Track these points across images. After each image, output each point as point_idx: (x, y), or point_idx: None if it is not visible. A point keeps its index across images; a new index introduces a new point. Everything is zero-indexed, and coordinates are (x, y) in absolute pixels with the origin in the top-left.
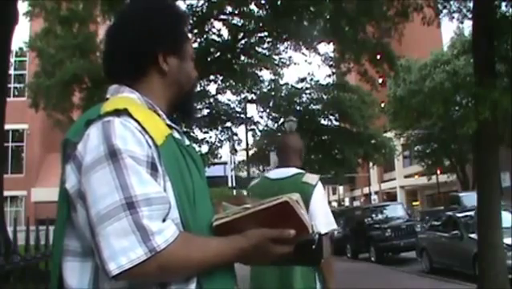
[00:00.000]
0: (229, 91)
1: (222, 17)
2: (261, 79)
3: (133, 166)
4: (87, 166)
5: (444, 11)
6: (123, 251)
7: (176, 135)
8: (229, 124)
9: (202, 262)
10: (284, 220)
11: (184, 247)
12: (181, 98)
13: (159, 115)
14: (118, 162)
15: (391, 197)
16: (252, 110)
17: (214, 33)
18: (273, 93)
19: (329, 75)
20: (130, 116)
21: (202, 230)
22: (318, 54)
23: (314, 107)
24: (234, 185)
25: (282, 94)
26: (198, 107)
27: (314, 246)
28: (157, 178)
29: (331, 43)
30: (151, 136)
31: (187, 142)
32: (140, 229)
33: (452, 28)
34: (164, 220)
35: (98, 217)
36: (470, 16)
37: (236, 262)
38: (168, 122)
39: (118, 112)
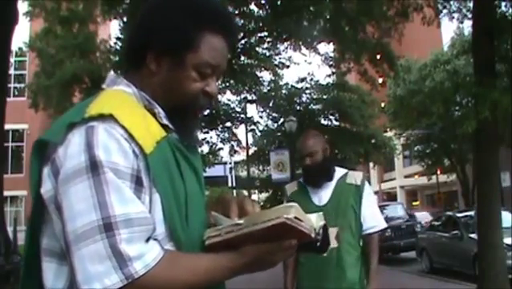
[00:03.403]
0: (229, 91)
1: None
2: (261, 79)
3: (114, 182)
4: (66, 176)
5: (444, 11)
6: (97, 276)
7: (174, 135)
8: (229, 124)
9: (191, 283)
10: (283, 234)
11: (169, 270)
12: (173, 110)
13: (155, 114)
14: (98, 176)
15: (391, 197)
16: (252, 110)
17: None
18: (273, 93)
19: (329, 75)
20: (116, 121)
21: (194, 243)
22: (319, 54)
23: (314, 107)
24: (234, 185)
25: (282, 94)
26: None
27: (318, 244)
28: (141, 194)
29: (331, 43)
30: (139, 144)
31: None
32: (116, 255)
33: (452, 28)
34: (148, 240)
35: (73, 236)
36: (470, 16)
37: (230, 279)
38: (165, 122)
39: (103, 117)
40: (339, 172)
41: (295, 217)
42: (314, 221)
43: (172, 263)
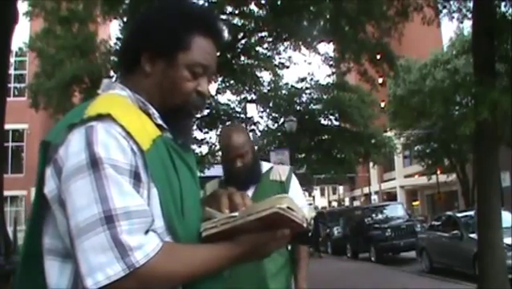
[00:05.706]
0: (229, 91)
1: (222, 17)
2: (261, 79)
3: (114, 177)
4: (68, 174)
5: (444, 11)
6: (100, 267)
7: (168, 134)
8: (229, 124)
9: (189, 274)
10: (277, 224)
11: (167, 260)
12: (168, 110)
13: (149, 114)
14: (99, 172)
15: (391, 197)
16: (252, 110)
17: None
18: (273, 93)
19: (329, 75)
20: (114, 120)
21: (191, 236)
22: (319, 54)
23: (314, 107)
24: None
25: (282, 94)
26: None
27: (310, 234)
28: (140, 188)
29: (331, 43)
30: (136, 142)
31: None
32: (118, 245)
33: (452, 28)
34: (147, 231)
35: (76, 230)
36: (470, 16)
37: (226, 268)
38: (160, 122)
39: (101, 117)
40: (264, 167)
41: (288, 207)
42: (306, 212)
43: (170, 254)
